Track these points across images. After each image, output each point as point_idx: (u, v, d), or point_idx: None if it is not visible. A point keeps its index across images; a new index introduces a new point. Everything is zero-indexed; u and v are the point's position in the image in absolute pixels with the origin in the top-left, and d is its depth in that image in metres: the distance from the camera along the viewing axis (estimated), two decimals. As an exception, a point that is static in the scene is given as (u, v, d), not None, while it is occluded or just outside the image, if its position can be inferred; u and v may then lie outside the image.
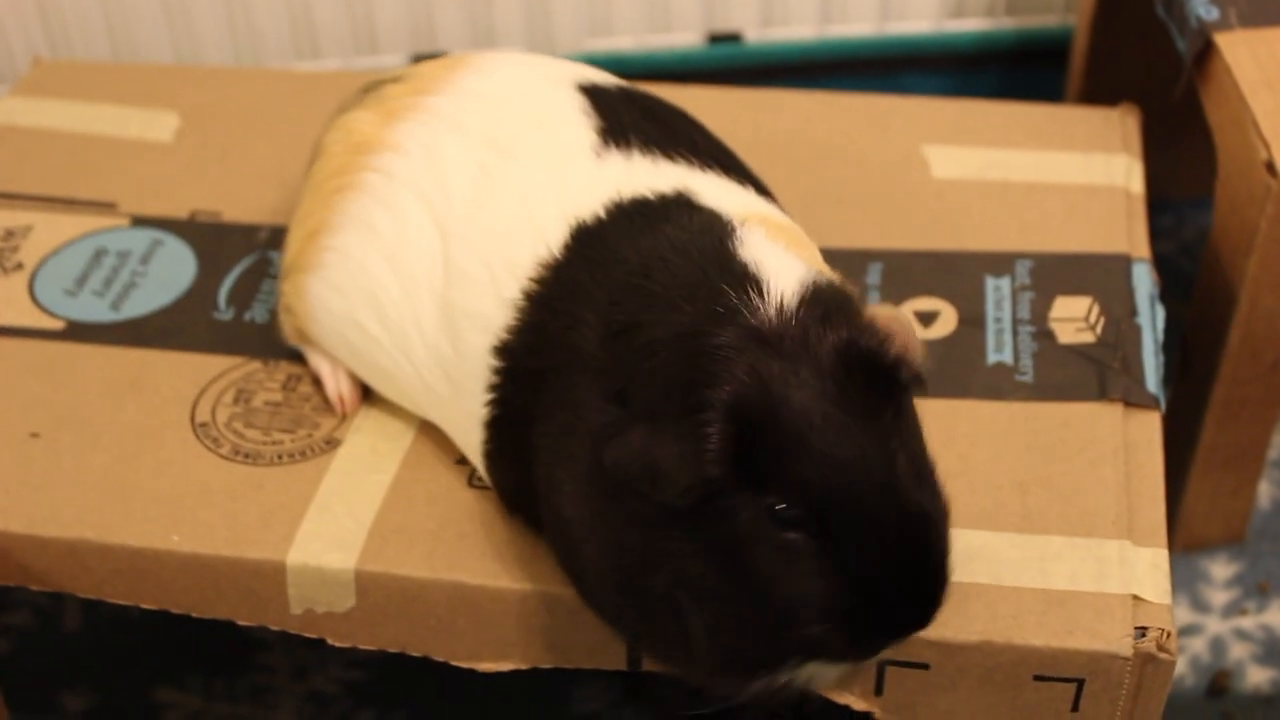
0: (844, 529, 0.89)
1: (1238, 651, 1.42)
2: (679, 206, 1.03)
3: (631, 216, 1.02)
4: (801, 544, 0.89)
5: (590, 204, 1.03)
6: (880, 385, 0.92)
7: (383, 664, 1.44)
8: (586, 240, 1.02)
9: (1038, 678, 1.01)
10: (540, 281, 1.01)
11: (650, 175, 1.06)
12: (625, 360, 0.94)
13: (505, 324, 1.02)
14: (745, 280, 0.94)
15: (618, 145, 1.08)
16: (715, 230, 0.99)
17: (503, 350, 1.02)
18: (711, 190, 1.06)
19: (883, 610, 0.90)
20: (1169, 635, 0.99)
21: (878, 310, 0.97)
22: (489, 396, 1.03)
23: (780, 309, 0.92)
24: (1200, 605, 1.45)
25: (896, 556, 0.90)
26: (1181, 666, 1.41)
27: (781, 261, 0.97)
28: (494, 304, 1.03)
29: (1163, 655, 0.99)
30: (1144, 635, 0.99)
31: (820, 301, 0.93)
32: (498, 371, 1.02)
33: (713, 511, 0.89)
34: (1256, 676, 1.40)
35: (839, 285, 0.97)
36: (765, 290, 0.93)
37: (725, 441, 0.87)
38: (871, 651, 0.94)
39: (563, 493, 0.97)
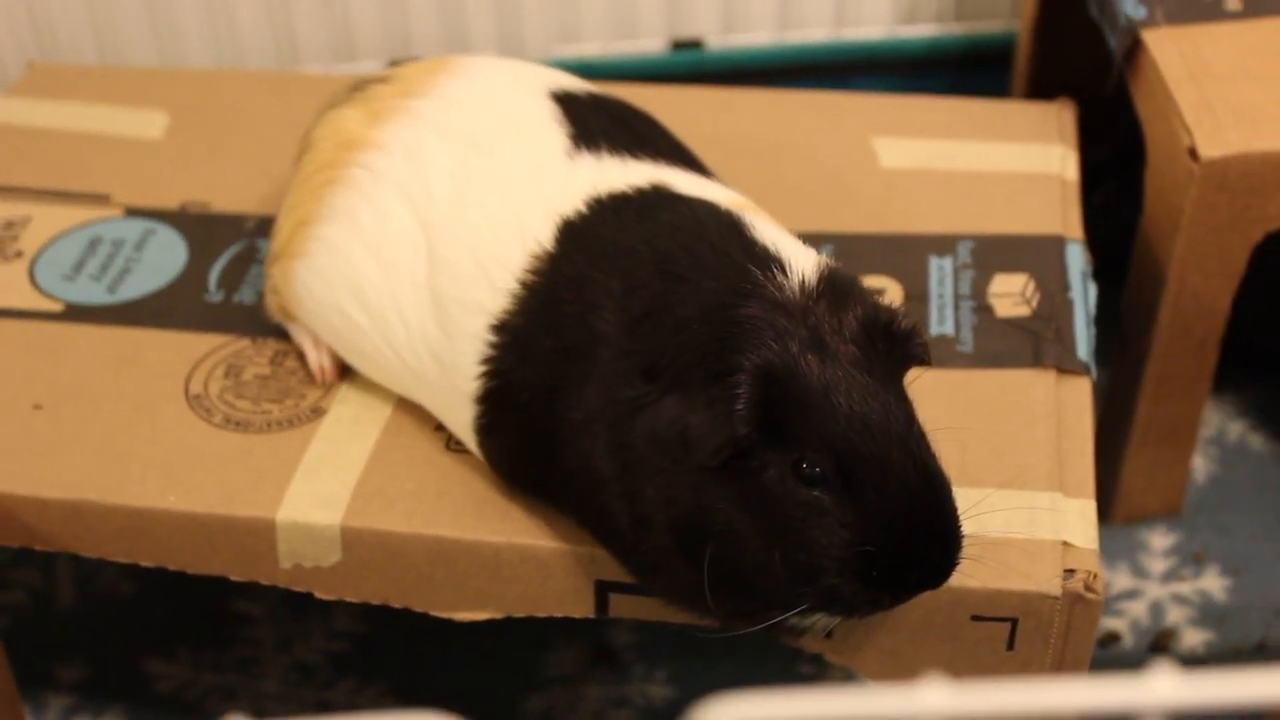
0: (865, 485, 0.96)
1: (1175, 615, 1.50)
2: (662, 197, 1.11)
3: (616, 210, 1.10)
4: (824, 500, 0.96)
5: (570, 201, 1.11)
6: (896, 354, 1.00)
7: (364, 636, 1.50)
8: (575, 234, 1.09)
9: (975, 618, 1.08)
10: (537, 273, 1.09)
11: (620, 173, 1.14)
12: (654, 339, 1.00)
13: (503, 308, 1.09)
14: (768, 260, 1.01)
15: (589, 148, 1.16)
16: (724, 218, 1.07)
17: (502, 328, 1.09)
18: (682, 184, 1.14)
19: (899, 567, 0.97)
20: (1095, 577, 1.07)
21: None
22: (483, 369, 1.10)
23: (803, 285, 1.00)
24: (1140, 572, 1.53)
25: (916, 516, 0.97)
26: (1122, 629, 1.49)
27: (794, 244, 1.05)
28: (487, 292, 1.10)
29: (1090, 595, 1.07)
30: (1072, 576, 1.07)
31: (835, 281, 1.01)
32: (495, 346, 1.09)
33: (742, 468, 0.96)
34: (1193, 639, 1.48)
35: (845, 270, 1.04)
36: (787, 269, 1.01)
37: (752, 401, 0.94)
38: (882, 606, 1.00)
39: (598, 462, 1.03)
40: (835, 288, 1.00)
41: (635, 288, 1.04)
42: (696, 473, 0.97)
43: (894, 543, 0.96)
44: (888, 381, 0.99)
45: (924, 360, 1.03)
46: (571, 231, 1.10)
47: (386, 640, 1.50)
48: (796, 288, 1.00)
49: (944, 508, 0.99)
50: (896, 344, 1.00)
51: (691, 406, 0.96)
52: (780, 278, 1.00)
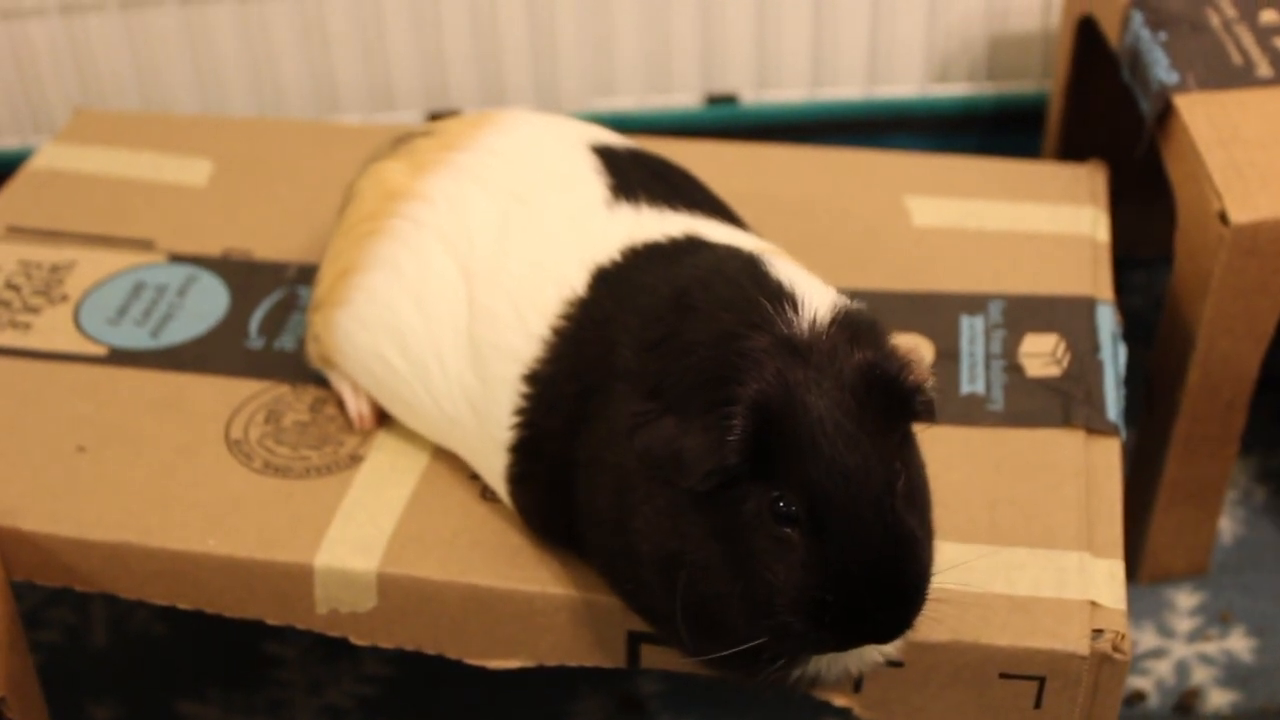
0: (834, 532, 0.96)
1: (1200, 675, 1.50)
2: (693, 244, 1.13)
3: (648, 257, 1.12)
4: (793, 538, 0.97)
5: (607, 250, 1.13)
6: (895, 408, 1.00)
7: (393, 681, 1.51)
8: (608, 280, 1.11)
9: (1003, 675, 1.09)
10: (568, 318, 1.11)
11: (658, 224, 1.16)
12: (662, 363, 1.02)
13: (535, 355, 1.11)
14: (781, 296, 1.02)
15: (628, 199, 1.18)
16: (745, 256, 1.08)
17: (533, 378, 1.11)
18: (717, 234, 1.16)
19: (850, 619, 0.97)
20: (1123, 637, 1.08)
21: (898, 339, 1.04)
22: (516, 420, 1.12)
23: (813, 324, 1.00)
24: (1165, 631, 1.54)
25: (875, 570, 0.97)
26: (1147, 688, 1.49)
27: (813, 283, 1.06)
28: (522, 339, 1.12)
29: (1117, 655, 1.08)
30: (1100, 636, 1.08)
31: (850, 323, 1.01)
32: (527, 397, 1.11)
33: (725, 498, 0.98)
34: (1218, 699, 1.48)
35: (867, 311, 1.04)
36: (800, 306, 1.01)
37: (746, 434, 0.96)
38: (829, 649, 1.00)
39: (601, 493, 1.05)
40: (849, 329, 1.00)
41: (651, 321, 1.05)
42: (681, 497, 0.99)
43: (847, 596, 0.96)
44: (880, 433, 0.98)
45: (927, 417, 1.03)
46: (604, 278, 1.12)
47: (415, 685, 1.51)
48: (806, 326, 1.00)
49: (905, 569, 0.98)
50: (896, 397, 1.00)
51: (688, 429, 0.97)
52: (791, 314, 1.00)
